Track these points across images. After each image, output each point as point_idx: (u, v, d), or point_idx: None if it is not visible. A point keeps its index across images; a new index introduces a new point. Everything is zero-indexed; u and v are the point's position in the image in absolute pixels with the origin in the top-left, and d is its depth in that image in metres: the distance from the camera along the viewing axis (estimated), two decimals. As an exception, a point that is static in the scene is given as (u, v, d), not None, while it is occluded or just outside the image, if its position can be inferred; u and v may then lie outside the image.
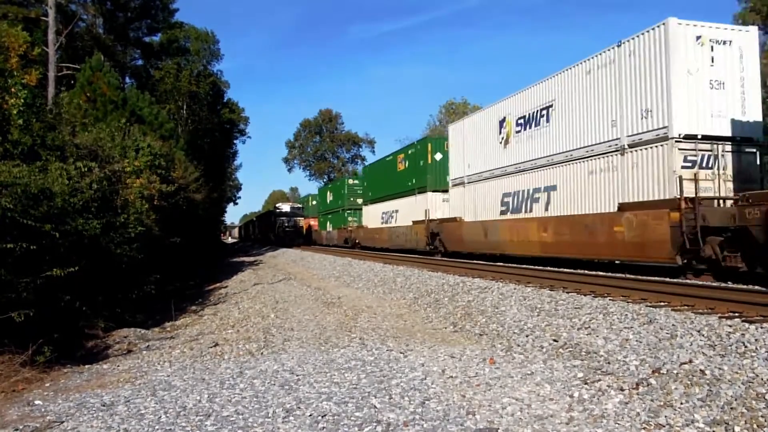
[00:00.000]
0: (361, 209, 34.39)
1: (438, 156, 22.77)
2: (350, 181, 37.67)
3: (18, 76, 9.80)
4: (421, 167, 23.52)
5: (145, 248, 11.65)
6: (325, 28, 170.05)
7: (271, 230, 52.38)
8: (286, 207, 53.01)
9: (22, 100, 9.13)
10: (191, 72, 37.40)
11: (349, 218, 35.84)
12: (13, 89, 9.20)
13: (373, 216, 31.04)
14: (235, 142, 56.51)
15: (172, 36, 37.00)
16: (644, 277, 10.78)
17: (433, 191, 22.53)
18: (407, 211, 24.89)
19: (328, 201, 41.99)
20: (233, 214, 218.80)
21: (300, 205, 54.22)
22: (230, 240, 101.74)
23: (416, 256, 22.78)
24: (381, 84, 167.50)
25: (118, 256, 10.52)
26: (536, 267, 14.33)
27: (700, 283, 9.85)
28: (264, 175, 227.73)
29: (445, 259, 19.92)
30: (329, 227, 41.39)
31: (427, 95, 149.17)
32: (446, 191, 21.74)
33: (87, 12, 30.58)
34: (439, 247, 21.22)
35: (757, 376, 4.62)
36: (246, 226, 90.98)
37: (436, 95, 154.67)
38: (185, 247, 16.58)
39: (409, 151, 25.41)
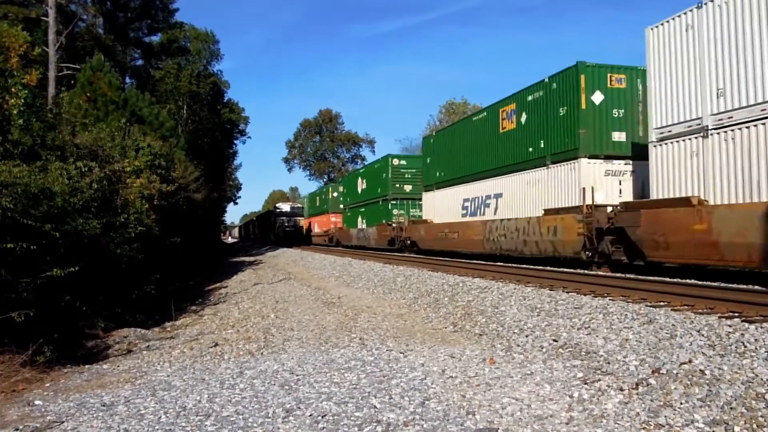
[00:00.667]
0: (414, 199, 26.34)
1: (598, 97, 13.82)
2: (395, 162, 28.02)
3: (18, 76, 9.80)
4: (561, 119, 14.47)
5: (145, 248, 11.66)
6: (326, 28, 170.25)
7: (271, 230, 52.40)
8: (286, 207, 53.01)
9: (23, 100, 9.13)
10: (192, 72, 37.40)
11: (394, 211, 27.13)
12: (13, 89, 9.20)
13: (444, 205, 21.63)
14: (235, 142, 56.60)
15: (172, 36, 36.99)
16: (644, 277, 10.77)
17: (590, 158, 13.70)
18: (526, 195, 15.96)
19: (360, 190, 33.33)
20: (233, 214, 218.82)
21: (300, 205, 54.03)
22: (230, 240, 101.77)
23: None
24: (381, 83, 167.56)
25: (118, 256, 10.53)
26: (536, 267, 14.30)
27: (701, 283, 9.81)
28: (264, 175, 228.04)
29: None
30: (361, 224, 32.38)
31: (427, 95, 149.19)
32: (616, 158, 13.76)
33: (87, 12, 30.57)
34: (617, 254, 12.19)
35: (757, 376, 4.62)
36: (246, 226, 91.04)
37: (436, 95, 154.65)
38: (185, 247, 16.58)
39: (530, 97, 15.92)
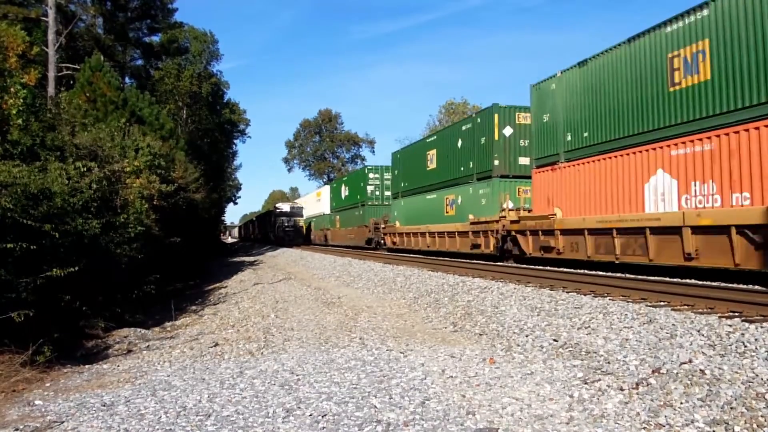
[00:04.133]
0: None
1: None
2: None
3: (17, 76, 9.80)
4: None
5: (145, 248, 11.65)
6: (326, 28, 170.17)
7: (271, 230, 52.29)
8: (285, 207, 52.82)
9: (21, 100, 9.13)
10: (192, 72, 37.38)
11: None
12: (12, 89, 9.20)
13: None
14: (235, 142, 56.64)
15: (172, 36, 36.96)
16: (644, 277, 10.77)
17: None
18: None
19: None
20: (233, 214, 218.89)
21: (300, 205, 53.94)
22: (230, 240, 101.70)
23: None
24: (381, 84, 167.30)
25: (118, 255, 10.52)
26: (536, 267, 14.31)
27: (701, 283, 9.83)
28: (264, 175, 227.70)
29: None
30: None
31: (427, 95, 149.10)
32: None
33: (87, 12, 30.58)
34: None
35: (757, 375, 4.62)
36: (246, 226, 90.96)
37: (436, 95, 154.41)
38: (185, 247, 16.58)
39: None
